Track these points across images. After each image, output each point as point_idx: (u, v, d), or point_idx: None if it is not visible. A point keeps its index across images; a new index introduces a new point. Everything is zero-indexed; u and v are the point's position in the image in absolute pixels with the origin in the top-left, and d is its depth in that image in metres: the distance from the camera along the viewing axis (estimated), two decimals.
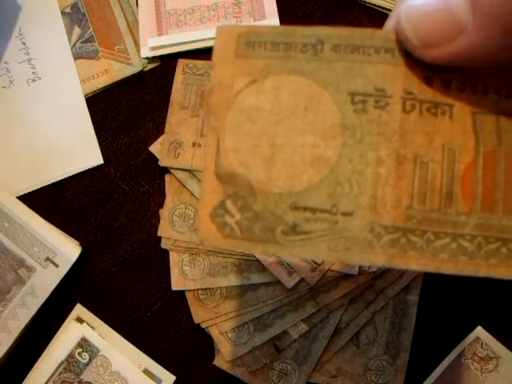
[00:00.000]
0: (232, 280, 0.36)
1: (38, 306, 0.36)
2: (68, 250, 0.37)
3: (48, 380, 0.36)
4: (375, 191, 0.17)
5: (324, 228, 0.17)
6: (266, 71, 0.17)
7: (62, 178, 0.39)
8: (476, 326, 0.35)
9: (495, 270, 0.17)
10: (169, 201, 0.38)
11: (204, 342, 0.37)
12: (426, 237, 0.17)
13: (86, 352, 0.36)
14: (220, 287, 0.36)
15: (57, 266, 0.36)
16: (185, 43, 0.40)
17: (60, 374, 0.36)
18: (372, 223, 0.17)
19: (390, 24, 0.18)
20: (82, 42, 0.41)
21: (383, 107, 0.17)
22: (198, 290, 0.36)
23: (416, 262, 0.16)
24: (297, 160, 0.17)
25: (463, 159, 0.17)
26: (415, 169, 0.17)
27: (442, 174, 0.17)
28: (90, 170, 0.39)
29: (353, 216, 0.17)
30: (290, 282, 0.35)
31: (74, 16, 0.41)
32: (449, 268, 0.16)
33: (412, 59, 0.17)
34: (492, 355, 0.35)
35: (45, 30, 0.41)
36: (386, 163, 0.17)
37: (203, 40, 0.40)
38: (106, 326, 0.37)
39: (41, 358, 0.36)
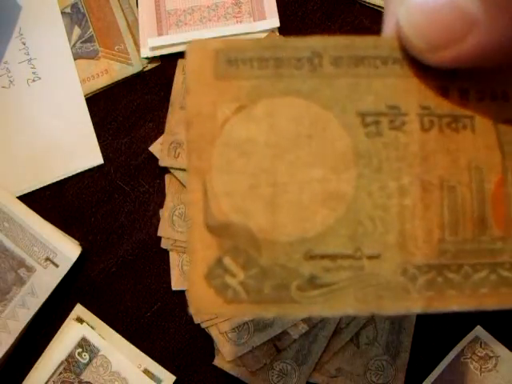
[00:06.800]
0: None
1: (38, 306, 0.36)
2: (68, 249, 0.37)
3: (48, 380, 0.36)
4: (402, 226, 0.14)
5: (348, 277, 0.14)
6: (255, 94, 0.15)
7: (61, 178, 0.39)
8: (475, 326, 0.36)
9: None
10: (169, 201, 0.38)
11: (204, 342, 0.37)
12: (463, 271, 0.15)
13: (86, 352, 0.36)
14: None
15: (57, 266, 0.36)
16: (185, 43, 0.40)
17: (60, 374, 0.36)
18: (404, 264, 0.14)
19: (388, 29, 0.16)
20: (82, 42, 0.41)
21: (399, 127, 0.15)
22: None
23: (456, 302, 0.14)
24: (305, 199, 0.14)
25: (491, 177, 0.15)
26: (443, 195, 0.15)
27: (472, 198, 0.15)
28: (90, 169, 0.39)
29: (380, 258, 0.14)
30: None
31: (74, 16, 0.41)
32: (492, 304, 0.15)
33: (423, 69, 0.15)
34: (491, 354, 0.35)
35: (45, 30, 0.41)
36: (410, 192, 0.15)
37: None
38: (106, 326, 0.37)
39: (41, 357, 0.36)
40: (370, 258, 0.14)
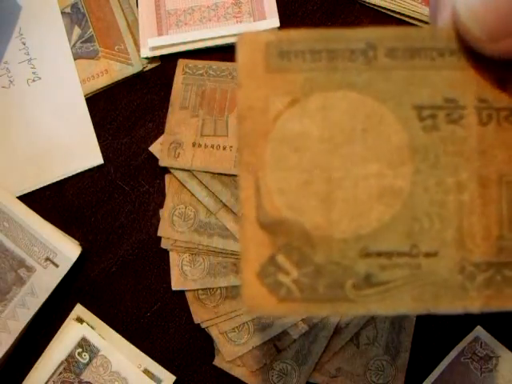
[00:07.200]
0: (232, 280, 0.36)
1: (38, 306, 0.36)
2: (68, 249, 0.37)
3: (48, 380, 0.36)
4: (460, 223, 0.14)
5: (405, 275, 0.14)
6: (308, 87, 0.14)
7: (61, 178, 0.39)
8: (475, 326, 0.36)
9: None
10: (169, 201, 0.38)
11: (204, 342, 0.37)
12: None
13: (86, 352, 0.36)
14: (220, 287, 0.36)
15: (57, 266, 0.36)
16: (185, 43, 0.40)
17: (60, 374, 0.36)
18: (461, 262, 0.14)
19: (443, 19, 0.15)
20: (82, 42, 0.41)
21: (457, 121, 0.14)
22: (197, 290, 0.36)
23: None
24: (361, 195, 0.14)
25: None
26: (501, 190, 0.14)
27: None
28: (90, 170, 0.39)
29: (438, 256, 0.14)
30: None
31: (73, 16, 0.41)
32: None
33: (481, 60, 0.14)
34: (491, 355, 0.35)
35: (45, 30, 0.41)
36: (468, 188, 0.14)
37: (203, 40, 0.40)
38: (106, 326, 0.37)
39: (41, 357, 0.36)
40: (427, 255, 0.14)
